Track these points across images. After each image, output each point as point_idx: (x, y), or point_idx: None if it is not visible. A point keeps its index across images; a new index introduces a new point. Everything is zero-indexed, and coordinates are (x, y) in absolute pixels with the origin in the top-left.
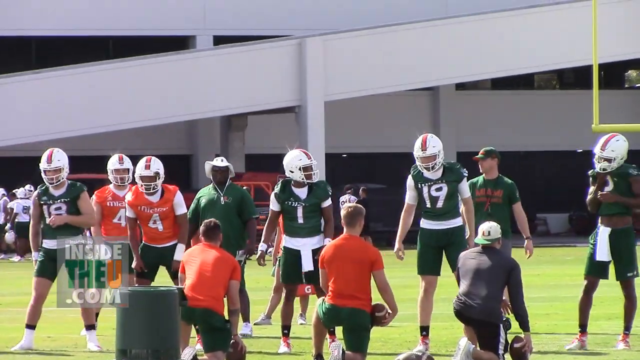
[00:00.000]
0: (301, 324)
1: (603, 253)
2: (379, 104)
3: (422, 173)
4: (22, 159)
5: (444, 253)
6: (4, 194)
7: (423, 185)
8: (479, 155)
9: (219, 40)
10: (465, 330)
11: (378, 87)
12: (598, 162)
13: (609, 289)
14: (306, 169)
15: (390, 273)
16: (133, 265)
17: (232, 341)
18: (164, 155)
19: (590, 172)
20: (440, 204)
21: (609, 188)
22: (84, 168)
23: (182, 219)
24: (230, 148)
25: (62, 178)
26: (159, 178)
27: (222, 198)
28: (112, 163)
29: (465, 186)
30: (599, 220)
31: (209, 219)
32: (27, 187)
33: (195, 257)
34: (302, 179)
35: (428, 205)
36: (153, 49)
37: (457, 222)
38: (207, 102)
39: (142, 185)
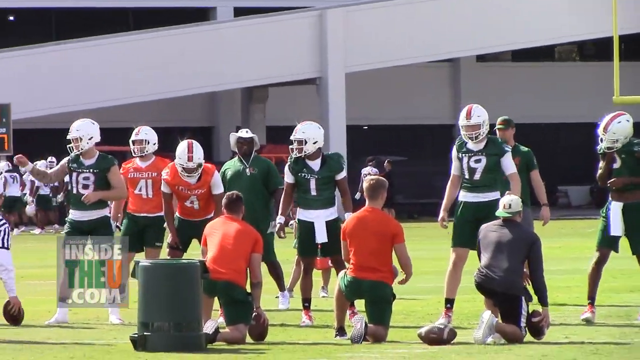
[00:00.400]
0: (323, 296)
1: (617, 227)
2: (399, 76)
3: (465, 143)
4: (43, 130)
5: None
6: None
7: (464, 155)
8: (500, 126)
9: (240, 12)
10: (485, 303)
11: (399, 59)
12: (602, 141)
13: (625, 262)
14: (291, 142)
15: (411, 246)
16: (168, 240)
17: (254, 314)
18: (185, 127)
19: (598, 148)
20: (477, 176)
21: (617, 165)
22: (104, 140)
23: (219, 198)
24: (251, 120)
25: (83, 147)
26: (200, 167)
27: (247, 169)
28: (132, 135)
29: (508, 161)
30: (610, 195)
31: (235, 190)
32: (49, 159)
33: (216, 230)
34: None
35: (467, 176)
36: (173, 20)
37: (494, 195)
38: (227, 74)
39: (183, 174)
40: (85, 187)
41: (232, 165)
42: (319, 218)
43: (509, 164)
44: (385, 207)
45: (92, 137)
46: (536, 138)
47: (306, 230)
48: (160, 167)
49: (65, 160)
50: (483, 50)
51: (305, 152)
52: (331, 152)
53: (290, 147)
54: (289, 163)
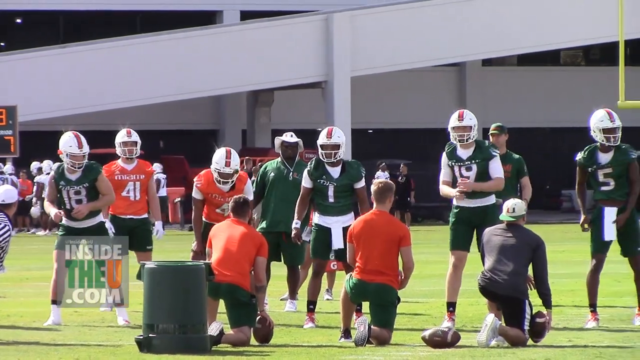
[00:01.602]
0: (327, 299)
1: (610, 233)
2: (405, 80)
3: (455, 151)
4: (49, 132)
5: (475, 231)
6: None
7: (454, 164)
8: (494, 131)
9: (246, 15)
10: (489, 307)
11: (404, 63)
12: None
13: (628, 266)
14: (323, 147)
15: (415, 249)
16: (193, 247)
17: (259, 317)
18: (191, 130)
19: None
20: None
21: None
22: (111, 143)
23: (251, 206)
24: (256, 123)
25: (84, 164)
26: (236, 174)
27: (291, 174)
28: (120, 136)
29: (495, 165)
30: (600, 201)
31: (277, 193)
32: (47, 162)
33: (222, 232)
34: (323, 157)
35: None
36: (181, 23)
37: (490, 200)
38: (233, 78)
39: (219, 180)
40: (79, 201)
41: (274, 168)
42: (336, 224)
43: (496, 167)
44: (399, 209)
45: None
46: (540, 142)
47: (322, 233)
48: (144, 170)
49: (50, 178)
50: (489, 54)
51: (338, 156)
52: (351, 160)
53: (322, 152)
54: (308, 168)
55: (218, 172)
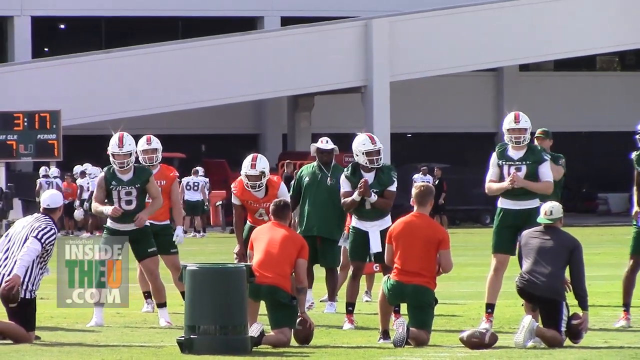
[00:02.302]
0: (367, 301)
1: None
2: (443, 85)
3: (506, 151)
4: (92, 137)
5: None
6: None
7: (504, 163)
8: (540, 135)
9: (287, 21)
10: (525, 308)
11: (442, 68)
12: None
13: None
14: (369, 153)
15: (452, 251)
16: (235, 251)
17: (300, 319)
18: (232, 134)
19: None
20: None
21: None
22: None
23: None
24: (297, 128)
25: (132, 162)
26: (264, 177)
27: (328, 179)
28: (141, 144)
29: (545, 169)
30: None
31: (312, 198)
32: (84, 166)
33: (263, 235)
34: (366, 163)
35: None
36: (222, 29)
37: (534, 203)
38: (274, 82)
39: (247, 184)
40: (129, 202)
41: (310, 172)
42: (374, 227)
43: (545, 172)
44: (438, 213)
45: (134, 152)
46: (576, 146)
47: (360, 236)
48: (166, 175)
49: (100, 178)
50: (526, 60)
51: (381, 162)
52: (384, 165)
53: (367, 158)
54: (345, 173)
55: (245, 175)
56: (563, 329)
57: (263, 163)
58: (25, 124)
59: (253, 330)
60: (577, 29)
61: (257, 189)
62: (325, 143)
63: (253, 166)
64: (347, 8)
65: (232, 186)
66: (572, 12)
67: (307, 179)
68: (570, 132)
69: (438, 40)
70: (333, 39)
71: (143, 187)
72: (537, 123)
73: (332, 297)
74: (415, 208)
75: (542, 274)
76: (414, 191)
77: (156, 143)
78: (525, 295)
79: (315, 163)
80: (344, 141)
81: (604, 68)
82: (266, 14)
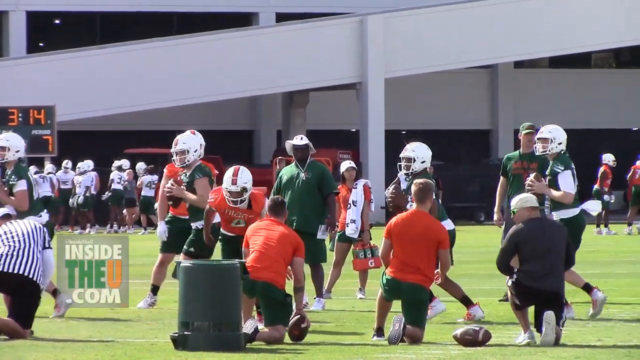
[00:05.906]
0: (360, 298)
1: None
2: (438, 82)
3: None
4: (87, 132)
5: None
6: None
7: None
8: (529, 130)
9: (282, 17)
10: (519, 316)
11: (437, 65)
12: None
13: None
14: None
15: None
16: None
17: (298, 316)
18: (227, 130)
19: None
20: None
21: None
22: (148, 143)
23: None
24: (291, 124)
25: (189, 160)
26: (246, 192)
27: (302, 174)
28: (173, 145)
29: (566, 180)
30: None
31: (289, 194)
32: (64, 163)
33: (260, 231)
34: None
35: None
36: (217, 25)
37: (572, 212)
38: (269, 79)
39: (228, 199)
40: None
41: (288, 171)
42: None
43: (567, 183)
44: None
45: (193, 149)
46: (571, 143)
47: None
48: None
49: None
50: (520, 56)
51: (412, 170)
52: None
53: (399, 164)
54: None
55: (227, 190)
56: (562, 328)
57: (245, 177)
58: (20, 119)
59: (247, 327)
60: (572, 26)
61: (238, 204)
62: (299, 140)
63: (234, 182)
64: (342, 4)
65: (210, 195)
66: (567, 9)
67: (285, 177)
68: (565, 129)
69: (433, 37)
70: (328, 35)
71: (191, 183)
72: (531, 119)
73: (319, 292)
74: (414, 205)
75: (544, 269)
76: (413, 188)
77: (182, 144)
78: (526, 289)
79: (293, 162)
80: (338, 137)
81: (599, 65)
82: (261, 10)
